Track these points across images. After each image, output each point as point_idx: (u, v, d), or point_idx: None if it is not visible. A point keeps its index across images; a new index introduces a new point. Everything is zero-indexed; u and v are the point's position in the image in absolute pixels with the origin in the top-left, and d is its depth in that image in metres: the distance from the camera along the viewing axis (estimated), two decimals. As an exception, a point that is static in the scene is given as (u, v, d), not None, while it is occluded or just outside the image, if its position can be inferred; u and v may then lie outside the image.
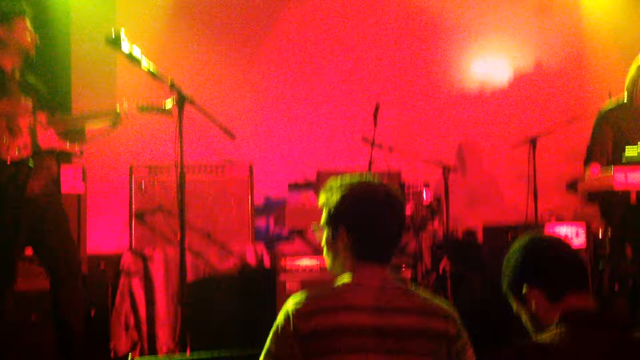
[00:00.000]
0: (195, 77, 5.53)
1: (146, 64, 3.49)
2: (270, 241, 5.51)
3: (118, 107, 3.87)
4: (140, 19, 5.71)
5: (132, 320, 4.59)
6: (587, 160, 4.55)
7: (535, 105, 6.40)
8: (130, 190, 4.81)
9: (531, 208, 5.21)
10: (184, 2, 5.93)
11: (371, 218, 1.94)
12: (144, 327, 4.57)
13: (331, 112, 6.11)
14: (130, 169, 4.82)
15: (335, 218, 1.96)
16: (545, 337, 1.74)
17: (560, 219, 5.08)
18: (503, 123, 6.30)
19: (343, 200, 1.95)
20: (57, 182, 3.89)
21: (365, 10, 6.33)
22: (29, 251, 4.12)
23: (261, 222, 5.81)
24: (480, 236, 5.45)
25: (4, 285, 3.67)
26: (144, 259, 4.64)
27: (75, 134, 3.92)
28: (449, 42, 6.43)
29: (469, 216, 5.74)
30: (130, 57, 3.49)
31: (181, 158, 3.44)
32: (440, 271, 4.65)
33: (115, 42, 3.53)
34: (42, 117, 3.73)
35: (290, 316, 1.83)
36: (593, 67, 6.57)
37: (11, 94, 3.67)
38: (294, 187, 5.57)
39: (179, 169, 3.46)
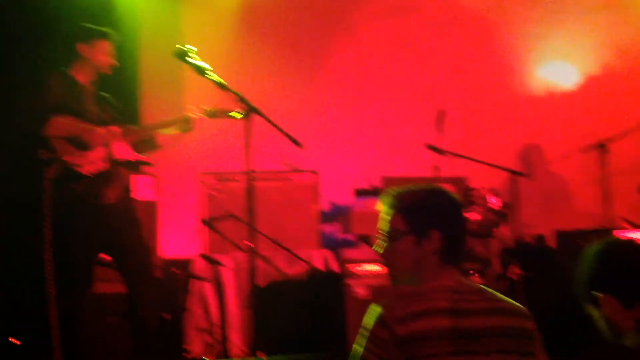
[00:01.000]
0: (261, 86, 5.64)
1: (213, 76, 3.57)
2: (336, 247, 5.55)
3: (187, 113, 4.00)
4: (206, 29, 5.86)
5: (204, 324, 4.71)
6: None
7: (604, 108, 6.23)
8: (200, 197, 4.94)
9: (604, 212, 5.09)
10: (248, 13, 6.04)
11: (459, 220, 1.99)
12: (217, 331, 4.68)
13: (396, 118, 6.12)
14: (200, 176, 4.95)
15: (425, 222, 1.93)
16: (624, 342, 1.72)
17: (634, 224, 4.94)
18: (572, 126, 6.16)
19: (430, 204, 1.95)
20: (129, 190, 4.03)
21: (429, 16, 6.31)
22: (105, 255, 4.30)
23: (327, 228, 5.85)
24: (550, 241, 5.35)
25: (83, 289, 3.83)
26: (215, 264, 4.76)
27: (147, 142, 4.07)
28: (514, 45, 6.34)
29: (538, 221, 5.63)
30: (197, 69, 3.58)
31: (249, 167, 3.50)
32: (511, 277, 4.59)
33: (183, 56, 3.64)
34: (116, 129, 3.89)
35: (386, 321, 1.80)
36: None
37: (87, 108, 3.84)
38: (360, 192, 5.59)
39: (248, 178, 3.53)
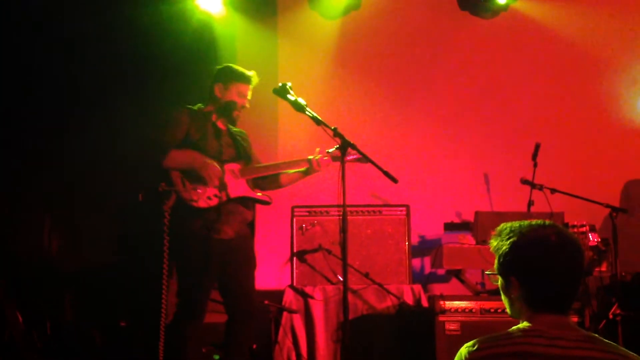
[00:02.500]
0: (352, 120, 5.72)
1: (310, 111, 3.64)
2: (426, 281, 5.49)
3: (310, 156, 4.02)
4: (301, 67, 6.01)
5: (293, 356, 4.74)
6: None
7: None
8: (292, 230, 5.02)
9: None
10: (343, 50, 6.16)
11: (543, 268, 1.85)
12: (306, 363, 4.71)
13: (488, 152, 6.04)
14: (292, 210, 5.04)
15: (506, 268, 1.91)
16: None
17: None
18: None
19: (512, 249, 1.89)
20: (250, 226, 4.05)
21: (525, 48, 6.23)
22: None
23: (415, 262, 5.81)
24: (652, 280, 5.10)
25: (197, 320, 3.86)
26: (305, 297, 4.80)
27: (270, 180, 4.14)
28: (613, 76, 6.15)
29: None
30: (296, 106, 3.66)
31: (344, 202, 3.52)
32: (610, 316, 4.41)
33: (283, 93, 3.74)
34: (235, 166, 3.97)
35: None
36: None
37: (210, 144, 3.92)
38: (451, 226, 5.53)
39: (342, 212, 3.55)
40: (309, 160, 4.02)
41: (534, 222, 1.92)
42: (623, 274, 5.03)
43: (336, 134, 3.56)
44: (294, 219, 5.02)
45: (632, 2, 6.24)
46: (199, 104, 4.07)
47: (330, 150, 3.90)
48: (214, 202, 3.82)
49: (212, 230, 3.79)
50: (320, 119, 3.57)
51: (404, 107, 6.13)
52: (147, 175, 3.88)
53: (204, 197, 3.80)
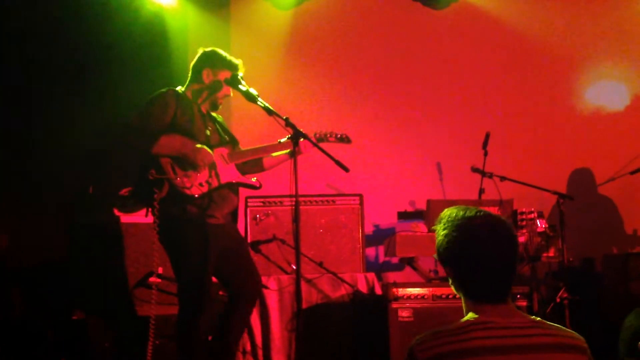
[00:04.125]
0: (305, 109, 5.72)
1: (262, 101, 3.63)
2: (380, 269, 5.55)
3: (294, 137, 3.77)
4: (253, 57, 5.97)
5: (248, 346, 4.74)
6: None
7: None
8: (246, 220, 5.00)
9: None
10: (295, 42, 6.17)
11: (475, 259, 1.84)
12: (260, 353, 4.71)
13: (441, 142, 6.12)
14: (246, 200, 5.02)
15: (442, 258, 1.90)
16: None
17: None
18: (621, 148, 6.06)
19: (445, 241, 1.88)
20: (236, 212, 3.94)
21: (475, 39, 6.32)
22: (154, 279, 4.37)
23: (370, 251, 5.86)
24: (598, 264, 5.25)
25: (205, 311, 3.67)
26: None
27: (253, 164, 4.02)
28: (562, 67, 6.30)
29: (586, 244, 5.55)
30: (248, 96, 3.64)
31: (296, 191, 3.51)
32: (558, 300, 4.53)
33: (233, 83, 3.71)
34: (224, 151, 3.85)
35: (415, 356, 1.77)
36: None
37: (197, 128, 3.79)
38: (404, 215, 5.59)
39: (295, 202, 3.54)
40: (294, 142, 3.74)
41: (468, 211, 1.90)
42: (570, 259, 5.16)
43: (288, 124, 3.55)
44: (248, 209, 5.01)
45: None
46: (180, 87, 3.91)
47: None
48: (205, 188, 3.68)
49: (206, 216, 3.67)
50: (272, 109, 3.55)
51: (356, 96, 6.17)
52: (138, 162, 3.66)
53: (196, 184, 3.65)
